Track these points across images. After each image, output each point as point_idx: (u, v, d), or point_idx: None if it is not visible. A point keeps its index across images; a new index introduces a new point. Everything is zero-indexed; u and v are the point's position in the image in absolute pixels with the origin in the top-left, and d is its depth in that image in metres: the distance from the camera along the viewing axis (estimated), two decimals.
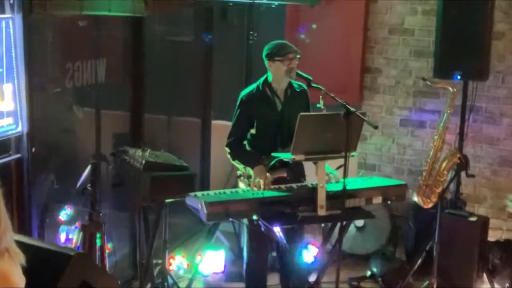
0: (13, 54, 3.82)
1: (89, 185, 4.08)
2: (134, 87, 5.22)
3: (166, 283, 4.56)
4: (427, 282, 4.82)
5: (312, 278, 4.63)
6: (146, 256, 4.47)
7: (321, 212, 4.01)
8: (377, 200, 4.27)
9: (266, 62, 4.38)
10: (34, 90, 3.99)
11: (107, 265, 4.26)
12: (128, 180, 4.40)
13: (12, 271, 2.11)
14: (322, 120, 4.09)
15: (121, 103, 5.23)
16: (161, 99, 5.70)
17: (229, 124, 4.55)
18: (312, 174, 4.28)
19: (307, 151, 4.00)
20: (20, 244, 2.46)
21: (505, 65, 5.74)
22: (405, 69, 6.04)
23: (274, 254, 5.03)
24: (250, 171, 4.29)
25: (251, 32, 5.75)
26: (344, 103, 3.89)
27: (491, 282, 4.98)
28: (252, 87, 4.48)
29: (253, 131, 4.43)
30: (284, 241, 4.08)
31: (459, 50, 5.13)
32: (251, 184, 4.25)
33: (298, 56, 4.33)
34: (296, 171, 4.41)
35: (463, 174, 5.02)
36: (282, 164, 4.23)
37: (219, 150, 5.29)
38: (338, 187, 4.03)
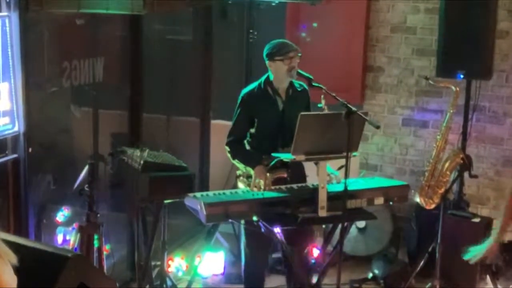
0: (10, 52, 3.82)
1: (87, 185, 4.08)
2: (132, 86, 5.22)
3: (164, 285, 4.56)
4: (429, 284, 4.83)
5: (313, 280, 4.62)
6: (145, 257, 4.47)
7: (322, 213, 4.01)
8: (379, 201, 4.27)
9: (267, 62, 4.39)
10: (31, 89, 3.99)
11: (105, 267, 4.25)
12: (126, 180, 4.40)
13: (2, 271, 2.10)
14: (323, 119, 4.09)
15: (119, 103, 5.23)
16: (160, 98, 5.70)
17: (229, 123, 4.55)
18: (313, 175, 4.28)
19: (307, 151, 3.99)
20: (17, 246, 2.46)
21: (508, 64, 5.74)
22: (407, 68, 6.04)
23: (274, 255, 5.04)
24: (250, 170, 4.29)
25: (251, 31, 5.77)
26: (346, 103, 3.89)
27: (494, 284, 4.98)
28: (253, 85, 4.48)
29: (253, 130, 4.43)
30: (285, 243, 4.08)
31: (462, 48, 5.13)
32: (251, 184, 4.25)
33: (299, 55, 4.34)
34: (296, 171, 4.40)
35: (466, 174, 5.02)
36: (283, 164, 4.23)
37: (219, 150, 5.29)
38: (339, 188, 4.02)
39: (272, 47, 4.38)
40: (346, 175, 3.83)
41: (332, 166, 4.26)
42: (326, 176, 4.09)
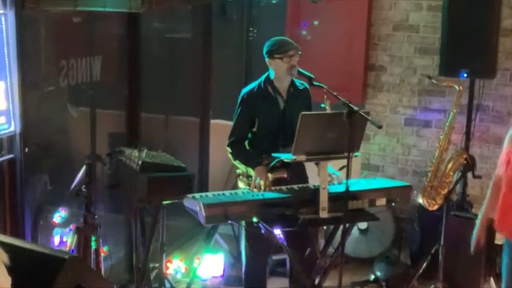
0: (5, 51, 3.82)
1: (84, 186, 4.08)
2: (130, 86, 5.22)
3: None
4: (432, 287, 4.83)
5: (314, 282, 4.62)
6: (143, 259, 4.47)
7: (323, 214, 4.01)
8: (381, 202, 4.26)
9: (267, 60, 4.39)
10: (27, 89, 3.99)
11: (103, 269, 4.25)
12: (124, 181, 4.41)
13: None
14: (324, 119, 4.09)
15: (117, 102, 5.23)
16: (158, 97, 5.70)
17: (229, 123, 4.56)
18: (314, 175, 4.28)
19: (308, 151, 3.99)
20: (13, 247, 2.46)
21: None
22: (410, 66, 6.05)
23: (274, 257, 5.04)
24: (251, 171, 4.29)
25: (251, 29, 5.76)
26: (347, 102, 3.89)
27: (498, 286, 4.98)
28: (253, 84, 4.48)
29: (254, 129, 4.44)
30: (285, 244, 4.08)
31: (466, 47, 5.14)
32: (251, 184, 4.25)
33: (299, 53, 4.34)
34: (297, 172, 4.41)
35: (469, 175, 5.02)
36: (283, 164, 4.23)
37: (218, 150, 5.29)
38: (341, 189, 4.02)
39: (271, 45, 4.38)
40: (348, 176, 3.83)
41: (333, 166, 4.26)
42: (327, 176, 4.09)
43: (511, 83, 5.77)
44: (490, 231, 5.10)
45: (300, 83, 4.47)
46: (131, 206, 4.48)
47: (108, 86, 4.89)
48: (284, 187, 4.19)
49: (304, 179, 4.47)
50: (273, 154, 4.17)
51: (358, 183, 4.34)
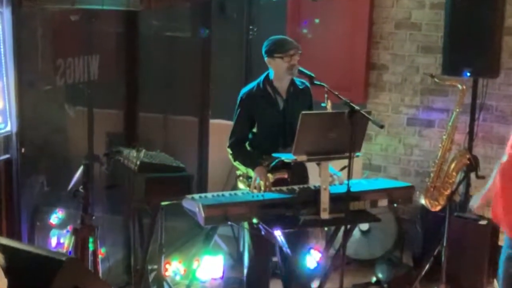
0: (2, 49, 3.82)
1: (81, 187, 4.08)
2: (129, 85, 5.23)
3: None
4: None
5: (314, 285, 4.63)
6: (141, 261, 4.47)
7: (324, 215, 4.01)
8: (383, 202, 4.26)
9: (266, 59, 4.39)
10: (24, 88, 4.00)
11: (100, 271, 4.26)
12: (122, 181, 4.41)
13: None
14: (326, 119, 4.09)
15: (114, 101, 5.23)
16: (157, 97, 5.70)
17: (228, 123, 4.56)
18: (315, 176, 4.28)
19: (309, 151, 3.99)
20: (9, 249, 2.46)
21: None
22: (412, 65, 6.05)
23: (275, 259, 5.04)
24: (251, 172, 4.29)
25: (250, 27, 5.76)
26: (348, 101, 3.89)
27: None
28: (252, 84, 4.48)
29: (254, 130, 4.44)
30: (286, 246, 4.08)
31: (469, 45, 5.14)
32: (251, 185, 4.25)
33: (299, 52, 4.34)
34: (298, 172, 4.40)
35: (472, 175, 5.02)
36: (284, 165, 4.23)
37: (218, 150, 5.30)
38: (342, 189, 4.02)
39: (271, 44, 4.38)
40: (349, 176, 3.83)
41: (334, 166, 4.26)
42: (328, 177, 4.09)
43: None
44: (493, 232, 5.13)
45: (301, 82, 4.47)
46: (129, 207, 4.48)
47: (106, 85, 4.89)
48: (284, 188, 4.19)
49: (305, 179, 4.47)
50: (274, 155, 4.17)
51: (359, 184, 4.34)
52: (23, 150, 4.01)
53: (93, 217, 4.15)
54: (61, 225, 4.50)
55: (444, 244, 4.70)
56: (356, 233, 5.48)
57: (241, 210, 3.96)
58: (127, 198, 4.38)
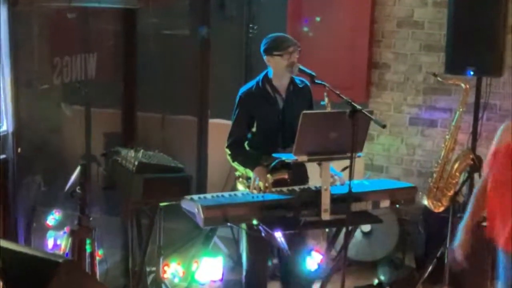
0: None
1: (79, 187, 4.08)
2: (126, 84, 5.23)
3: None
4: None
5: (315, 287, 4.63)
6: (139, 263, 4.47)
7: (325, 216, 4.01)
8: (385, 203, 4.26)
9: (265, 57, 4.38)
10: (20, 87, 4.00)
11: (98, 273, 4.26)
12: (119, 182, 4.41)
13: None
14: (326, 118, 4.09)
15: (112, 101, 5.23)
16: (155, 96, 5.70)
17: (227, 122, 4.55)
18: (315, 176, 4.28)
19: (310, 151, 3.99)
20: (5, 250, 2.46)
21: None
22: (415, 64, 6.05)
23: (274, 261, 5.04)
24: (250, 173, 4.29)
25: (250, 25, 5.76)
26: (350, 101, 3.89)
27: None
28: (251, 83, 4.48)
29: (253, 130, 4.43)
30: (286, 247, 4.08)
31: (472, 44, 5.13)
32: (250, 186, 4.25)
33: (299, 49, 4.33)
34: (298, 172, 4.40)
35: (476, 176, 5.02)
36: (284, 165, 4.23)
37: (217, 150, 5.29)
38: (343, 190, 4.02)
39: (269, 42, 4.37)
40: (351, 177, 3.83)
41: (335, 167, 4.26)
42: (329, 177, 4.08)
43: None
44: None
45: (300, 81, 4.46)
46: (127, 208, 4.48)
47: (103, 84, 4.90)
48: (285, 189, 4.19)
49: (306, 180, 4.46)
50: (274, 155, 4.17)
51: (361, 184, 4.34)
52: (19, 150, 4.01)
53: (91, 218, 4.15)
54: (58, 226, 4.50)
55: (447, 245, 4.69)
56: (357, 234, 5.48)
57: (241, 211, 3.95)
58: (125, 199, 4.38)
